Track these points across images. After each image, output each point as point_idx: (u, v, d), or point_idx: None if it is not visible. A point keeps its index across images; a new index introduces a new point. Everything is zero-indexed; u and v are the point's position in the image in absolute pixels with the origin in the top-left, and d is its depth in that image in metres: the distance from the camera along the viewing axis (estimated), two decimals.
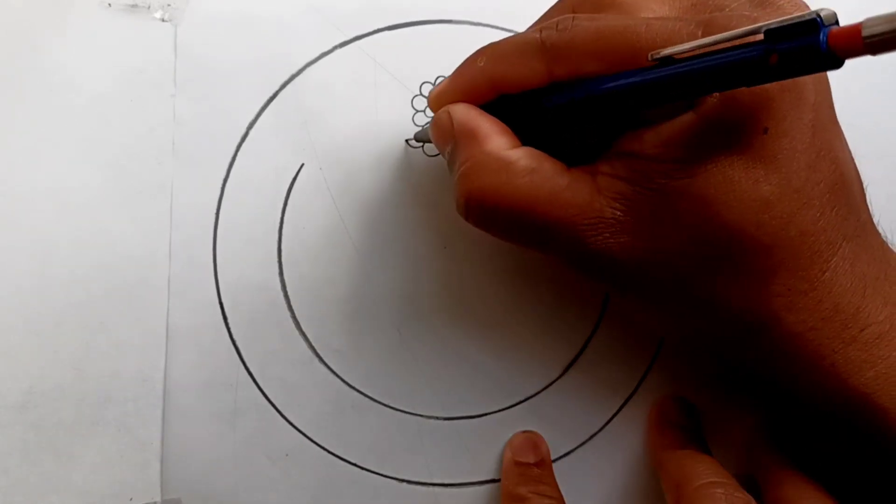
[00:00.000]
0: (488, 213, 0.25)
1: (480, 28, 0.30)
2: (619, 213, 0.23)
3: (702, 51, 0.21)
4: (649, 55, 0.21)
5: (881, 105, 0.32)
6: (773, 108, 0.22)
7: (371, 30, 0.30)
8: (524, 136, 0.25)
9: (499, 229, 0.25)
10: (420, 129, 0.30)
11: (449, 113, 0.26)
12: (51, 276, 0.28)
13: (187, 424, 0.29)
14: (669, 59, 0.21)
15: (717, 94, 0.22)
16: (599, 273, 0.25)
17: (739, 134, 0.22)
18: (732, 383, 0.30)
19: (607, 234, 0.23)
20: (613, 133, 0.24)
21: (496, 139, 0.25)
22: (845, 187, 0.24)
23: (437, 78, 0.30)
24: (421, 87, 0.30)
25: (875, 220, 0.25)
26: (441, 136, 0.26)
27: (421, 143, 0.30)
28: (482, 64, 0.25)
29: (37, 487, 0.28)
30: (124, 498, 0.28)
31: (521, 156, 0.24)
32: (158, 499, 0.28)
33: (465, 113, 0.25)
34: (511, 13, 0.30)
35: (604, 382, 0.30)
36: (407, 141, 0.30)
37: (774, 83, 0.22)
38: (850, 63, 0.18)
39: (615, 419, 0.30)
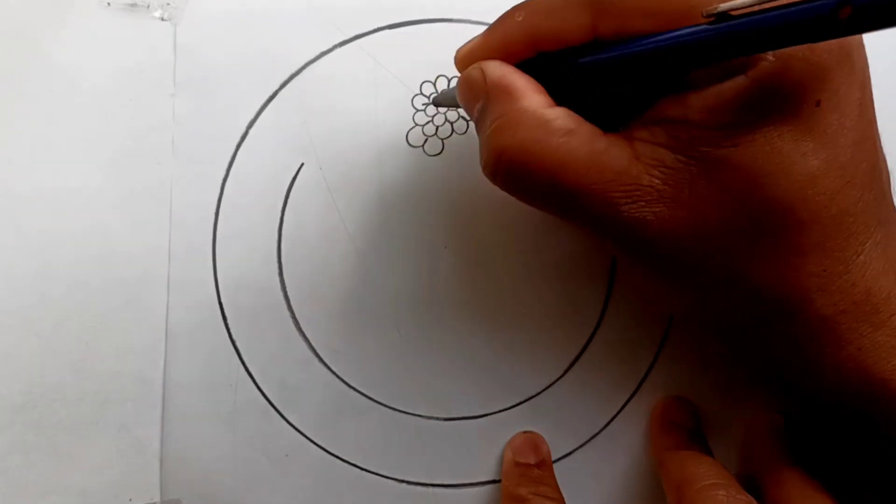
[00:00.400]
0: (520, 172, 0.23)
1: (481, 27, 0.30)
2: (657, 180, 0.22)
3: (762, 6, 0.19)
4: (704, 11, 0.20)
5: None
6: (829, 80, 0.21)
7: (371, 29, 0.30)
8: (560, 98, 0.24)
9: (528, 192, 0.24)
10: (437, 93, 0.29)
11: (482, 69, 0.24)
12: (51, 276, 0.28)
13: (187, 424, 0.29)
14: (725, 16, 0.20)
15: (772, 58, 0.21)
16: (630, 245, 0.23)
17: (792, 103, 0.21)
18: (733, 383, 0.30)
19: (643, 203, 0.22)
20: (650, 97, 0.23)
21: (533, 97, 0.23)
22: (880, 172, 0.24)
23: (438, 77, 0.30)
24: (421, 86, 0.30)
25: None
26: (471, 92, 0.25)
27: (441, 111, 0.29)
28: (520, 18, 0.24)
29: (37, 487, 0.28)
30: (124, 498, 0.28)
31: (559, 115, 0.23)
32: (158, 499, 0.28)
33: (499, 69, 0.24)
34: None
35: (605, 383, 0.30)
36: (428, 103, 0.29)
37: (833, 54, 0.21)
38: None
39: (616, 420, 0.30)
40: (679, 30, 0.21)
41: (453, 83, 0.30)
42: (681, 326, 0.30)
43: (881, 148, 0.24)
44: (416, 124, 0.30)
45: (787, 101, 0.21)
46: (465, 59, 0.26)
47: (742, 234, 0.22)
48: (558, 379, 0.30)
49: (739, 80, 0.21)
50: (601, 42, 0.23)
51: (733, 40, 0.20)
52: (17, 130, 0.29)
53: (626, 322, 0.30)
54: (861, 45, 0.23)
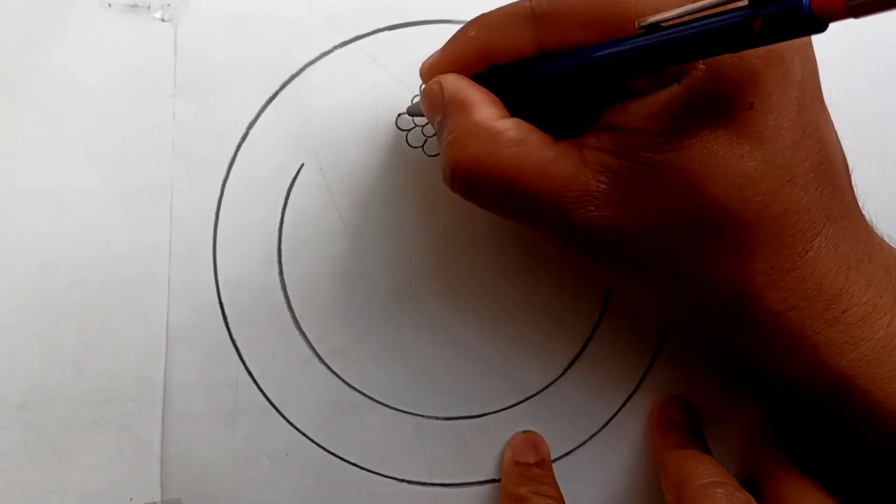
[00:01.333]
0: (474, 182, 0.25)
1: None
2: (603, 186, 0.23)
3: (688, 18, 0.21)
4: (637, 23, 0.21)
5: (871, 91, 0.32)
6: (760, 83, 0.22)
7: (371, 30, 0.30)
8: (514, 107, 0.25)
9: (484, 200, 0.25)
10: (412, 103, 0.30)
11: (440, 83, 0.26)
12: (51, 275, 0.28)
13: (187, 424, 0.29)
14: (656, 27, 0.21)
15: (704, 66, 0.22)
16: (582, 247, 0.24)
17: (725, 108, 0.22)
18: (732, 383, 0.30)
19: (591, 208, 0.23)
20: (601, 105, 0.24)
21: (485, 109, 0.25)
22: (830, 168, 0.24)
23: None
24: (421, 87, 0.30)
25: (860, 203, 0.25)
26: (431, 105, 0.26)
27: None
28: (473, 34, 0.25)
29: (37, 487, 0.28)
30: (124, 498, 0.28)
31: (508, 126, 0.24)
32: (158, 499, 0.28)
33: (455, 83, 0.25)
34: None
35: (604, 382, 0.30)
36: (399, 115, 0.30)
37: (761, 59, 0.22)
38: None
39: (615, 419, 0.30)
40: (615, 42, 0.22)
41: None
42: (669, 334, 0.30)
43: (832, 143, 0.24)
44: (416, 125, 0.30)
45: (720, 106, 0.22)
46: (428, 72, 0.27)
47: (687, 235, 0.23)
48: (558, 378, 0.30)
49: (674, 89, 0.22)
50: (547, 54, 0.24)
51: (664, 50, 0.21)
52: (17, 130, 0.29)
53: (625, 322, 0.30)
54: (801, 47, 0.23)
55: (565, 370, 0.30)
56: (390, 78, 0.30)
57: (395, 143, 0.30)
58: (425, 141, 0.30)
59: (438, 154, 0.30)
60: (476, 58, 0.25)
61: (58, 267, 0.29)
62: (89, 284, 0.29)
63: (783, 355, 0.24)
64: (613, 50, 0.22)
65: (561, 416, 0.30)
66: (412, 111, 0.30)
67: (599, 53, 0.22)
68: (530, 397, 0.30)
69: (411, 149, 0.30)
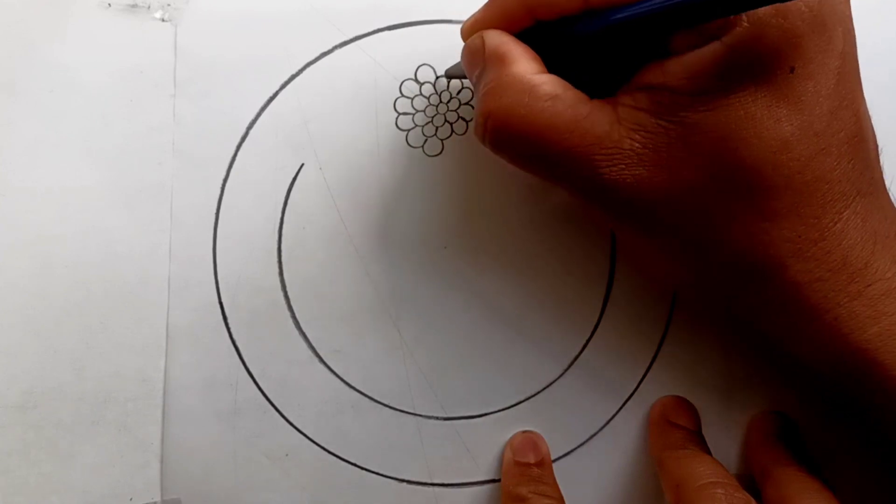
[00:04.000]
0: (506, 134, 0.24)
1: None
2: (637, 144, 0.23)
3: None
4: None
5: None
6: (802, 47, 0.22)
7: (371, 30, 0.30)
8: (553, 65, 0.25)
9: (514, 153, 0.25)
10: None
11: (482, 37, 0.25)
12: (51, 275, 0.28)
13: (187, 424, 0.29)
14: None
15: (747, 24, 0.21)
16: (609, 206, 0.24)
17: (765, 69, 0.22)
18: (732, 383, 0.30)
19: (622, 166, 0.23)
20: (637, 66, 0.24)
21: (524, 63, 0.24)
22: (863, 142, 0.24)
23: (438, 78, 0.30)
24: (421, 87, 0.30)
25: (887, 182, 0.25)
26: (472, 59, 0.26)
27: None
28: None
29: (37, 487, 0.28)
30: (124, 498, 0.28)
31: (545, 81, 0.24)
32: (158, 499, 0.28)
33: (497, 37, 0.25)
34: None
35: (604, 382, 0.30)
36: (441, 75, 0.30)
37: (806, 22, 0.22)
38: None
39: (615, 419, 0.30)
40: None
41: (440, 70, 0.30)
42: (674, 291, 0.30)
43: (866, 118, 0.24)
44: (416, 125, 0.30)
45: (761, 67, 0.22)
46: (470, 29, 0.27)
47: (717, 197, 0.23)
48: (558, 378, 0.30)
49: (715, 46, 0.22)
50: (593, 11, 0.23)
51: (710, 1, 0.21)
52: (17, 130, 0.29)
53: (625, 322, 0.30)
54: (844, 18, 0.23)
55: (565, 370, 0.30)
56: (390, 78, 0.30)
57: (395, 143, 0.30)
58: (425, 141, 0.30)
59: (439, 154, 0.30)
60: (521, 13, 0.25)
61: (58, 267, 0.29)
62: (89, 284, 0.29)
63: (802, 327, 0.24)
64: (660, 3, 0.22)
65: (561, 416, 0.30)
66: (451, 72, 0.29)
67: (645, 7, 0.22)
68: (530, 397, 0.30)
69: (411, 149, 0.30)
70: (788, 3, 0.21)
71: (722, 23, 0.22)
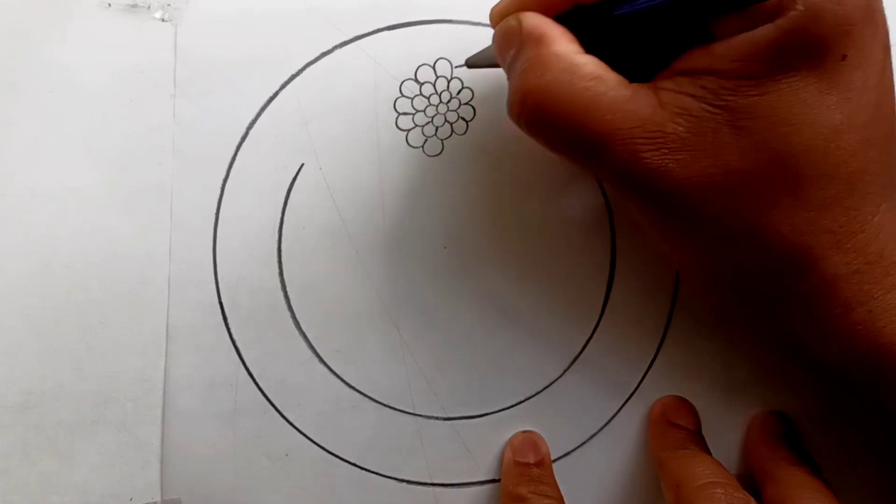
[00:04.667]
0: (544, 114, 0.24)
1: (480, 28, 0.30)
2: (681, 128, 0.22)
3: None
4: None
5: None
6: (855, 35, 0.22)
7: (371, 30, 0.30)
8: (593, 51, 0.24)
9: (552, 135, 0.24)
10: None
11: (519, 18, 0.25)
12: (51, 276, 0.29)
13: (187, 424, 0.29)
14: None
15: (801, 7, 0.21)
16: (651, 193, 0.23)
17: (818, 55, 0.22)
18: (732, 383, 0.30)
19: (665, 150, 0.22)
20: (677, 52, 0.23)
21: (564, 43, 0.24)
22: (895, 138, 0.24)
23: (438, 78, 0.30)
24: (421, 87, 0.30)
25: None
26: (507, 40, 0.25)
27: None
28: None
29: (37, 487, 0.28)
30: (124, 498, 0.28)
31: (587, 61, 0.23)
32: (158, 499, 0.28)
33: (535, 18, 0.25)
34: None
35: (604, 382, 0.30)
36: (464, 63, 0.29)
37: (860, 10, 0.21)
38: None
39: (615, 419, 0.30)
40: None
41: (440, 70, 0.30)
42: (691, 291, 0.30)
43: None
44: (416, 125, 0.30)
45: (814, 53, 0.22)
46: (502, 12, 0.26)
47: (763, 184, 0.22)
48: (557, 378, 0.30)
49: (768, 29, 0.21)
50: None
51: None
52: (17, 131, 0.29)
53: (625, 322, 0.30)
54: (883, 10, 0.23)
55: (565, 370, 0.30)
56: (390, 78, 0.30)
57: (395, 143, 0.30)
58: (425, 141, 0.30)
59: (439, 154, 0.30)
60: None
61: (58, 267, 0.29)
62: (89, 285, 0.29)
63: (833, 324, 0.23)
64: None
65: (561, 416, 0.30)
66: (473, 61, 0.29)
67: None
68: (530, 397, 0.30)
69: (411, 149, 0.30)
70: None
71: (775, 6, 0.21)
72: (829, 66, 0.22)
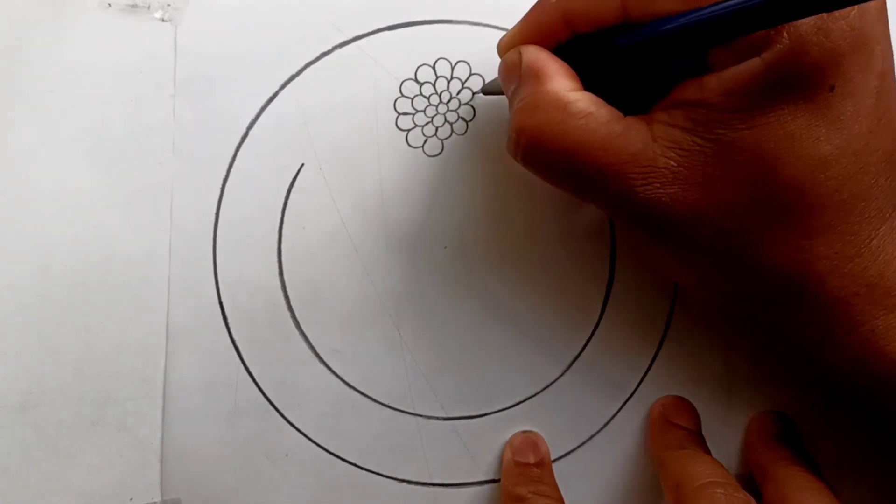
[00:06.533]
0: (538, 151, 0.24)
1: (480, 28, 0.30)
2: (672, 162, 0.23)
3: None
4: None
5: None
6: (843, 66, 0.22)
7: (371, 30, 0.30)
8: (589, 81, 0.25)
9: (547, 170, 0.25)
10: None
11: (520, 52, 0.25)
12: (51, 276, 0.28)
13: (187, 424, 0.29)
14: None
15: (788, 41, 0.21)
16: (645, 224, 0.24)
17: (805, 87, 0.22)
18: (732, 383, 0.30)
19: (657, 185, 0.23)
20: (674, 82, 0.24)
21: (560, 80, 0.24)
22: None
23: (438, 78, 0.30)
24: (421, 87, 0.30)
25: None
26: (508, 74, 0.26)
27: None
28: (555, 0, 0.25)
29: (37, 487, 0.28)
30: (124, 498, 0.28)
31: (579, 98, 0.24)
32: (158, 499, 0.28)
33: (534, 53, 0.25)
34: (511, 12, 0.30)
35: (603, 383, 0.30)
36: (478, 91, 0.30)
37: (847, 41, 0.21)
38: None
39: (615, 419, 0.30)
40: (704, 8, 0.22)
41: (440, 70, 0.30)
42: (691, 307, 0.30)
43: None
44: (416, 125, 0.30)
45: (801, 85, 0.22)
46: (507, 45, 0.27)
47: (754, 215, 0.23)
48: (557, 378, 0.30)
49: (755, 63, 0.22)
50: (632, 24, 0.23)
51: (752, 13, 0.20)
52: (17, 131, 0.29)
53: (625, 322, 0.30)
54: (882, 36, 0.23)
55: (565, 370, 0.30)
56: (390, 78, 0.30)
57: (395, 143, 0.30)
58: (425, 141, 0.30)
59: (439, 154, 0.30)
60: (558, 24, 0.25)
61: (58, 267, 0.29)
62: (89, 285, 0.29)
63: (838, 339, 0.24)
64: (701, 15, 0.22)
65: (561, 416, 0.30)
66: (487, 89, 0.30)
67: (686, 20, 0.22)
68: (530, 398, 0.30)
69: (411, 149, 0.30)
70: (831, 22, 0.21)
71: (761, 40, 0.22)
72: (817, 97, 0.22)
